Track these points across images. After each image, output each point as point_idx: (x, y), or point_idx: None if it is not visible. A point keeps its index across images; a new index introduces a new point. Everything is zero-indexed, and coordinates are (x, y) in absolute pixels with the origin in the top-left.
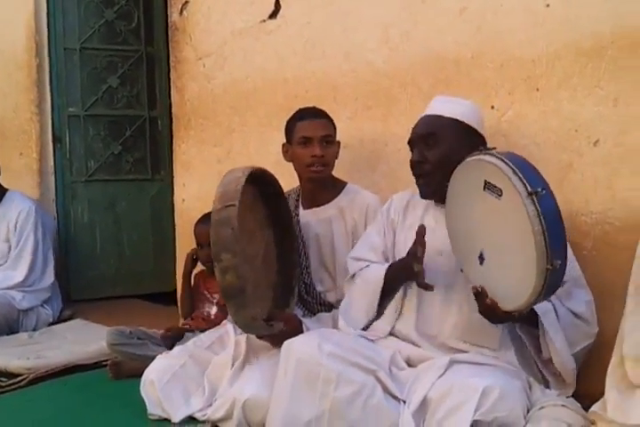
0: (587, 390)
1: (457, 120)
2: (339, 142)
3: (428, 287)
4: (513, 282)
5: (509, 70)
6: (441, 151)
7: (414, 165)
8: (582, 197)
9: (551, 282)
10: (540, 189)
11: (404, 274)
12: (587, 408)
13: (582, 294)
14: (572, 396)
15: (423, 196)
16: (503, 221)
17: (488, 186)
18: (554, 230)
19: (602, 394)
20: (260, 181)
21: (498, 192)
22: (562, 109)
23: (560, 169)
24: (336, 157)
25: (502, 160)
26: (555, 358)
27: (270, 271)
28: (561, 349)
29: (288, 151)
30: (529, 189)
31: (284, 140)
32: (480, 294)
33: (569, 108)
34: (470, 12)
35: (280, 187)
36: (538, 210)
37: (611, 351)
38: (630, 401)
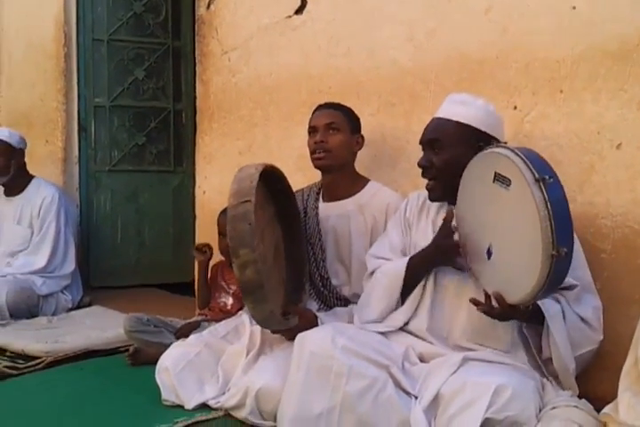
0: (600, 394)
1: (464, 124)
2: (362, 136)
3: (464, 267)
4: (519, 272)
5: (534, 71)
6: (446, 157)
7: (422, 169)
8: (603, 200)
9: (557, 270)
10: (547, 177)
11: (434, 259)
12: (598, 411)
13: (591, 300)
14: (584, 398)
15: (431, 199)
16: (511, 212)
17: (497, 177)
18: (560, 217)
19: (614, 398)
20: (269, 178)
21: (507, 182)
22: (585, 111)
23: (582, 171)
24: (349, 148)
25: (512, 150)
26: (555, 357)
27: (280, 269)
28: (562, 348)
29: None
30: (536, 175)
31: (309, 136)
32: (497, 299)
33: (592, 110)
34: (496, 12)
35: (288, 184)
36: (545, 196)
37: (625, 355)
38: None
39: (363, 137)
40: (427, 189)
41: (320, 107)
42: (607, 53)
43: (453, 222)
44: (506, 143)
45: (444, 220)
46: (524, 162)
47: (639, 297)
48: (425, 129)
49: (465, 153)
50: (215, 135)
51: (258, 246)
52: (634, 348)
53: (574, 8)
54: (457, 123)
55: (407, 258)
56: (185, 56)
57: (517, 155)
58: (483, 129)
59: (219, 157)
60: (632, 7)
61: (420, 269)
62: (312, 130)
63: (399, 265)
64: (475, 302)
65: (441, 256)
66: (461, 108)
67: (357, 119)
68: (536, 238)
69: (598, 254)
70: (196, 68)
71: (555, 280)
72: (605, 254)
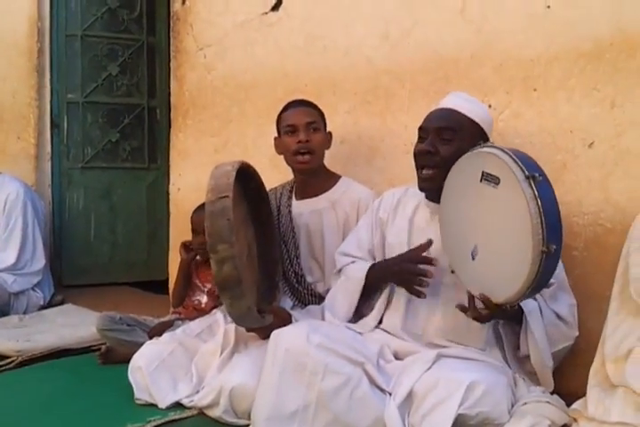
0: (572, 389)
1: (476, 123)
2: (330, 133)
3: (420, 295)
4: (507, 271)
5: (508, 70)
6: (454, 148)
7: (422, 155)
8: (575, 199)
9: (546, 268)
10: (537, 175)
11: (394, 277)
12: (570, 406)
13: (567, 298)
14: (557, 394)
15: (426, 189)
16: (499, 210)
17: (485, 176)
18: (550, 214)
19: (585, 393)
20: (243, 176)
21: (495, 181)
22: (559, 110)
23: (554, 170)
24: (325, 147)
25: (501, 149)
26: (533, 354)
27: (254, 268)
28: (541, 345)
29: (279, 144)
30: (526, 173)
31: (285, 135)
32: (474, 299)
33: (566, 109)
34: (471, 12)
35: (262, 182)
36: (535, 193)
37: (596, 351)
38: (611, 399)
39: (331, 133)
40: (423, 178)
41: (293, 104)
42: (581, 53)
43: (414, 238)
44: (493, 143)
45: (422, 245)
46: (514, 160)
47: (609, 294)
48: (431, 116)
49: (467, 149)
50: (190, 132)
51: (236, 242)
52: (601, 346)
53: (549, 7)
54: (470, 119)
55: (369, 265)
56: (160, 52)
57: (506, 153)
58: (485, 130)
59: (193, 154)
60: (605, 8)
61: (379, 279)
62: (291, 129)
63: (360, 272)
64: (461, 308)
65: (400, 277)
66: (471, 106)
67: (325, 117)
68: (526, 236)
69: (570, 252)
70: (171, 65)
71: (543, 278)
72: (577, 252)
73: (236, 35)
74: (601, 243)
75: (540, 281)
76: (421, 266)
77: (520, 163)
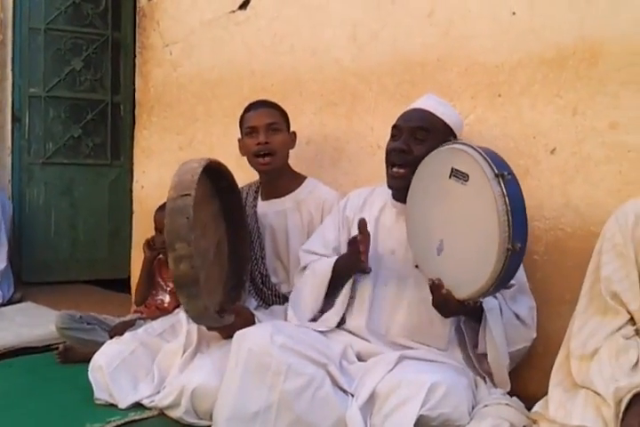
0: (530, 392)
1: (449, 126)
2: (294, 133)
3: (365, 270)
4: (471, 267)
5: (473, 75)
6: (426, 148)
7: (395, 153)
8: (537, 203)
9: (510, 266)
10: (505, 173)
11: (346, 264)
12: (529, 409)
13: (526, 300)
14: (516, 396)
15: (393, 186)
16: (467, 206)
17: (454, 173)
18: (517, 212)
19: (544, 396)
20: (214, 174)
21: (464, 178)
22: (522, 116)
23: (517, 175)
24: (289, 147)
25: (471, 147)
26: (490, 352)
27: (221, 265)
28: (499, 343)
29: (242, 146)
30: (495, 171)
31: (246, 137)
32: (436, 287)
33: (529, 115)
34: (438, 16)
35: (234, 180)
36: (503, 191)
37: (555, 354)
38: (573, 401)
39: (295, 133)
40: (394, 175)
41: (254, 106)
42: (544, 60)
43: (381, 236)
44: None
45: (358, 226)
46: (484, 158)
47: (570, 298)
48: (406, 116)
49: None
50: (155, 129)
51: (195, 241)
52: (565, 344)
53: (514, 14)
54: (443, 121)
55: (334, 259)
56: (125, 48)
57: (477, 151)
58: (456, 133)
59: (158, 151)
60: (569, 16)
61: (341, 272)
62: (251, 130)
63: (326, 266)
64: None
65: (349, 259)
66: (444, 109)
67: (288, 116)
68: (492, 233)
69: (531, 256)
70: (136, 61)
71: (506, 276)
72: (538, 256)
73: (202, 32)
74: (561, 247)
75: (503, 278)
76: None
77: (490, 161)
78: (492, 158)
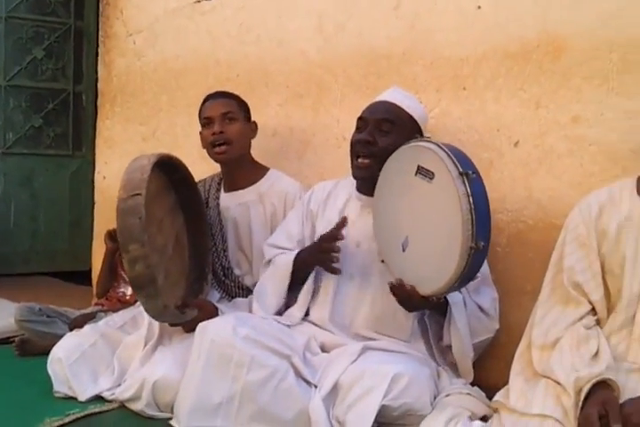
0: (492, 382)
1: (414, 119)
2: (254, 123)
3: (335, 271)
4: (435, 264)
5: (439, 68)
6: (391, 140)
7: (361, 144)
8: (500, 196)
9: (473, 263)
10: (470, 172)
11: (313, 258)
12: (490, 398)
13: (489, 292)
14: (478, 386)
15: (358, 176)
16: (432, 204)
17: (420, 170)
18: (481, 211)
19: (506, 385)
20: (167, 168)
21: (430, 175)
22: (486, 109)
23: (481, 167)
24: (248, 137)
25: (437, 145)
26: (455, 345)
27: (182, 258)
28: (463, 335)
29: (201, 138)
30: (460, 169)
31: (203, 128)
32: (397, 288)
33: (493, 108)
34: (404, 9)
35: (188, 172)
36: (468, 190)
37: (517, 344)
38: (533, 390)
39: (256, 123)
40: (358, 166)
41: (211, 97)
42: (508, 54)
43: (345, 229)
44: (429, 137)
45: (338, 224)
46: (449, 156)
47: (530, 289)
48: (372, 108)
49: (403, 143)
50: (117, 120)
51: (149, 240)
52: (527, 333)
53: (479, 8)
54: (409, 114)
55: (294, 255)
56: (87, 37)
57: (442, 149)
58: (421, 127)
59: (120, 142)
60: (533, 10)
61: (305, 265)
62: (207, 121)
63: (288, 260)
64: (392, 286)
65: (317, 257)
66: (410, 102)
67: (248, 106)
68: (456, 231)
69: (494, 248)
70: (99, 50)
71: (470, 273)
72: (500, 248)
73: (167, 21)
74: (523, 239)
75: (466, 276)
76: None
77: (455, 159)
78: (457, 157)
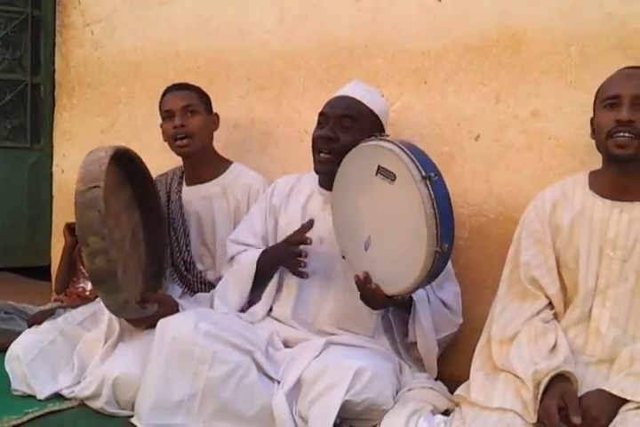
0: (455, 375)
1: (375, 114)
2: (216, 115)
3: (303, 275)
4: (400, 265)
5: (400, 62)
6: (352, 136)
7: (322, 140)
8: (461, 190)
9: (438, 266)
10: (432, 175)
11: (279, 260)
12: (453, 392)
13: (452, 287)
14: (440, 380)
15: (319, 171)
16: (394, 206)
17: (381, 170)
18: (445, 214)
19: (468, 379)
20: (123, 161)
21: (391, 177)
22: (447, 103)
23: (442, 161)
24: (209, 129)
25: (398, 146)
26: (420, 341)
27: (139, 254)
28: (428, 332)
29: (162, 131)
30: (423, 173)
31: (163, 122)
32: (363, 281)
33: (454, 102)
34: (366, 2)
35: (144, 165)
36: (431, 193)
37: (479, 338)
38: (493, 384)
39: (217, 115)
40: (320, 160)
41: (170, 89)
42: (469, 48)
43: (308, 234)
44: (388, 135)
45: (303, 226)
46: (411, 159)
47: (492, 283)
48: (333, 103)
49: (364, 138)
50: (75, 111)
51: (109, 234)
52: (487, 328)
53: (440, 1)
54: (370, 109)
55: (260, 252)
56: (45, 27)
57: (404, 151)
58: (383, 122)
59: (79, 134)
60: (493, 4)
61: (269, 265)
62: (168, 114)
63: (252, 260)
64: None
65: (284, 259)
66: (371, 97)
67: (209, 98)
68: (420, 235)
69: (456, 242)
70: (56, 40)
71: (434, 274)
72: (462, 242)
73: (125, 11)
74: (484, 233)
75: (431, 276)
76: (302, 247)
77: (417, 162)
78: (419, 158)
